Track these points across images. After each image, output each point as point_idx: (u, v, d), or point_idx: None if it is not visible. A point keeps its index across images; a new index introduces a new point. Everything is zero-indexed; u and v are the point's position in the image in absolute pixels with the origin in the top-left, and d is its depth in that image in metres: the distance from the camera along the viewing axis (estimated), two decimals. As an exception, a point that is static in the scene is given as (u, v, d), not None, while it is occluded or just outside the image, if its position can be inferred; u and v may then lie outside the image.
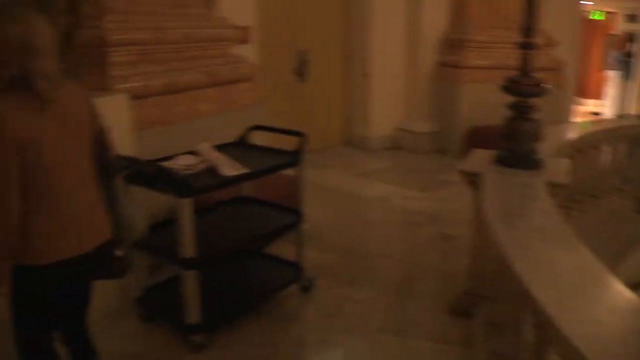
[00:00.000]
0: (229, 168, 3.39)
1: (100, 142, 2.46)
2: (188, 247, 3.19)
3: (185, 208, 3.10)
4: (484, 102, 7.63)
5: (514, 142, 3.51)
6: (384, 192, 6.60)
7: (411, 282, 4.42)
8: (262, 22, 6.60)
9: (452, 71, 8.07)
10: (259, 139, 4.32)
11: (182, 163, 3.40)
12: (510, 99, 3.51)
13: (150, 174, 3.20)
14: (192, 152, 3.63)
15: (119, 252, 2.60)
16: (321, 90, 8.14)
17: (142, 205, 2.70)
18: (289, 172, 4.02)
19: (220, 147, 3.76)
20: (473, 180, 3.52)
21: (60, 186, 2.23)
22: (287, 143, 4.02)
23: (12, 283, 2.19)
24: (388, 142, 8.55)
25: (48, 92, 2.12)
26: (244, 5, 6.05)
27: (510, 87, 3.48)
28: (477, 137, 7.32)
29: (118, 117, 3.68)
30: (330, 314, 3.87)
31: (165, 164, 3.39)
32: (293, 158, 3.82)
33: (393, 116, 8.48)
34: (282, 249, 4.39)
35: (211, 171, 3.41)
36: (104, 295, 2.62)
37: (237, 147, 4.03)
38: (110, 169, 2.53)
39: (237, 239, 3.74)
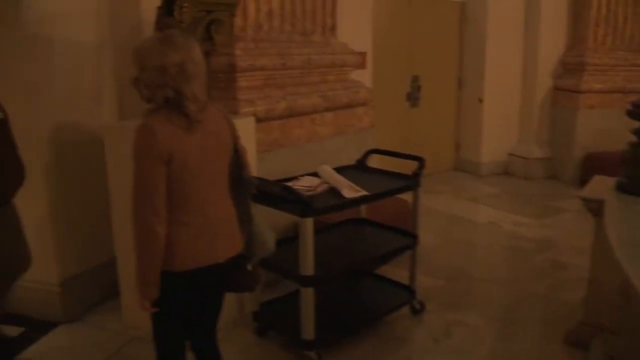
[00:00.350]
0: (349, 190, 3.54)
1: (238, 160, 2.63)
2: (307, 265, 3.35)
3: (307, 227, 3.27)
4: (601, 127, 7.50)
5: (637, 169, 3.42)
6: (493, 217, 6.57)
7: (521, 309, 4.39)
8: (377, 48, 6.78)
9: (569, 96, 7.91)
10: (373, 162, 4.47)
11: (304, 184, 3.58)
12: (635, 124, 3.43)
13: (277, 193, 3.39)
14: (313, 174, 3.81)
15: (250, 267, 2.77)
16: (433, 115, 8.23)
17: (270, 223, 2.85)
18: (402, 195, 4.14)
19: (340, 170, 3.93)
20: (594, 207, 3.47)
21: (198, 198, 2.39)
22: (401, 167, 4.15)
23: None
24: (499, 168, 8.51)
25: (196, 113, 2.30)
26: (360, 31, 6.26)
27: (635, 111, 3.40)
28: (594, 164, 7.16)
29: (245, 139, 3.91)
30: (439, 338, 3.91)
31: (289, 184, 3.57)
32: (411, 182, 3.92)
33: (505, 141, 8.44)
34: (390, 271, 4.51)
35: (332, 193, 3.58)
36: (223, 307, 2.77)
37: (356, 170, 4.19)
38: (246, 186, 2.68)
39: (353, 260, 3.89)
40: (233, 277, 2.66)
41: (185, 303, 2.50)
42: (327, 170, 3.80)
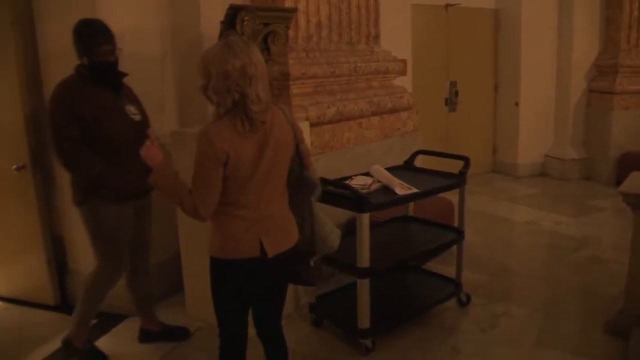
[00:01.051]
0: (401, 188, 3.80)
1: (300, 161, 2.73)
2: (364, 257, 3.60)
3: (364, 222, 3.52)
4: (636, 128, 7.64)
5: None
6: (533, 216, 6.76)
7: (562, 301, 4.57)
8: (416, 55, 7.03)
9: (603, 97, 8.07)
10: (418, 162, 4.72)
11: (358, 183, 3.84)
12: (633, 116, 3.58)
13: (334, 191, 3.64)
14: (365, 174, 4.08)
15: (312, 263, 2.90)
16: (470, 118, 8.47)
17: (332, 221, 2.97)
18: (447, 194, 4.37)
19: (389, 169, 4.18)
20: (633, 201, 3.65)
21: (252, 195, 2.53)
22: (443, 167, 4.40)
23: (211, 274, 2.64)
24: (535, 169, 8.70)
25: (259, 114, 2.43)
26: (401, 40, 6.52)
27: None
28: (629, 164, 7.27)
29: (301, 143, 4.22)
30: (486, 328, 4.12)
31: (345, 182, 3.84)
32: (457, 180, 4.17)
33: (541, 143, 8.62)
34: (435, 267, 4.79)
35: (385, 190, 3.84)
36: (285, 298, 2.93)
37: (404, 170, 4.45)
38: (307, 186, 2.76)
39: (405, 253, 4.14)
40: (292, 270, 2.82)
41: (236, 290, 2.66)
42: (379, 170, 4.06)
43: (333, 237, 2.95)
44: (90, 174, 3.32)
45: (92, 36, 3.35)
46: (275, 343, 2.93)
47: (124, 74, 3.58)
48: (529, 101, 8.43)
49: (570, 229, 6.26)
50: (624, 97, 7.87)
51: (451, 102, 8.21)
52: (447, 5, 7.97)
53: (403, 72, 6.17)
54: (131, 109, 3.52)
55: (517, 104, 8.46)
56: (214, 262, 2.62)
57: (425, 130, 6.91)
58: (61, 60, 4.06)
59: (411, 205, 4.62)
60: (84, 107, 3.29)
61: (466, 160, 4.22)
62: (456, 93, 8.19)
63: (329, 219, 2.96)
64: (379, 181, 3.94)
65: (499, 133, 8.91)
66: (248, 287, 2.66)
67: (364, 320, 3.73)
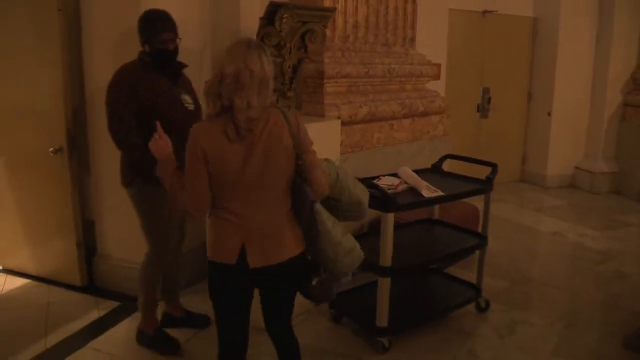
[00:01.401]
0: (427, 190, 3.85)
1: (301, 173, 2.57)
2: (386, 256, 3.67)
3: (389, 221, 3.59)
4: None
5: None
6: (558, 227, 6.75)
7: (582, 312, 4.59)
8: (451, 60, 7.05)
9: (638, 112, 8.02)
10: (447, 166, 4.76)
11: (385, 183, 3.90)
12: None
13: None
14: (393, 174, 4.14)
15: (314, 282, 2.73)
16: (502, 126, 8.47)
17: (350, 242, 2.75)
18: (472, 200, 4.40)
19: (417, 172, 4.23)
20: None
21: (237, 201, 2.51)
22: (471, 173, 4.43)
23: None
24: (565, 181, 8.65)
25: (245, 122, 2.40)
26: (437, 44, 6.54)
27: None
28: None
29: (331, 141, 4.29)
30: (504, 334, 4.15)
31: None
32: (484, 185, 4.21)
33: (571, 155, 8.59)
34: (456, 272, 4.82)
35: (411, 192, 3.91)
36: (301, 296, 2.89)
37: (432, 173, 4.51)
38: (304, 201, 2.59)
39: (427, 255, 4.20)
40: (296, 279, 2.73)
41: (217, 292, 2.66)
42: (406, 171, 4.12)
43: (347, 261, 2.73)
44: (134, 156, 3.47)
45: (154, 24, 3.50)
46: (284, 342, 2.91)
47: (184, 65, 3.72)
48: (562, 111, 8.39)
49: (596, 242, 6.24)
50: (659, 112, 7.81)
51: (483, 109, 8.22)
52: (485, 12, 7.99)
53: (437, 76, 6.21)
54: (186, 98, 3.65)
55: (549, 114, 8.42)
56: (209, 262, 2.65)
57: (456, 135, 6.95)
58: (103, 48, 4.22)
59: (436, 208, 4.66)
60: (143, 91, 3.44)
61: (494, 166, 4.26)
62: (489, 100, 8.19)
63: (351, 241, 2.77)
64: (406, 182, 4.00)
65: (529, 142, 8.88)
66: (226, 291, 2.64)
67: (383, 319, 3.80)
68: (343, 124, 4.68)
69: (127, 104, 3.41)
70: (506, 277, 5.17)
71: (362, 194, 2.90)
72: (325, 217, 2.65)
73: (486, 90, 8.17)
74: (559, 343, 4.04)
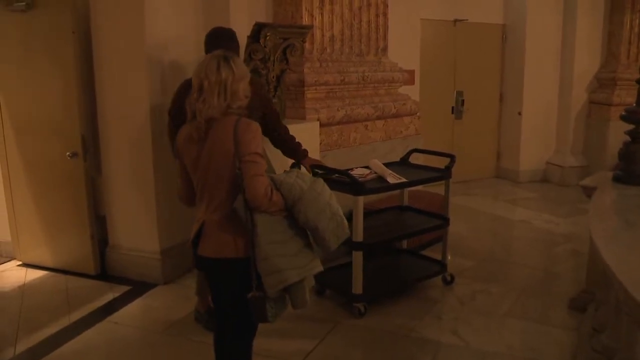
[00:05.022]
0: (392, 177, 4.49)
1: (241, 177, 2.58)
2: (358, 233, 4.28)
3: (359, 204, 4.21)
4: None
5: (630, 163, 4.17)
6: (526, 216, 7.40)
7: (538, 283, 5.21)
8: (425, 66, 7.72)
9: (602, 109, 8.66)
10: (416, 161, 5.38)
11: (357, 173, 4.53)
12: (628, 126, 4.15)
13: (338, 179, 4.23)
14: (365, 167, 4.78)
15: (253, 293, 2.65)
16: (476, 126, 9.11)
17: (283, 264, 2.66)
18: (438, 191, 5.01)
19: (387, 164, 4.84)
20: (590, 193, 4.23)
21: (198, 194, 2.79)
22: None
23: None
24: (537, 175, 9.28)
25: (204, 123, 2.62)
26: (409, 52, 7.22)
27: (628, 116, 4.16)
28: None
29: (311, 140, 4.94)
30: (466, 301, 4.79)
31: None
32: (443, 173, 4.83)
33: (542, 151, 9.21)
34: (430, 253, 5.44)
35: (379, 179, 4.53)
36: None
37: (400, 165, 5.10)
38: (239, 209, 2.62)
39: (395, 233, 4.84)
40: (228, 281, 2.82)
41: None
42: (376, 163, 4.74)
43: (269, 280, 2.63)
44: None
45: (214, 41, 4.02)
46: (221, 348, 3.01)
47: None
48: (532, 111, 9.02)
49: (559, 227, 6.88)
50: (621, 108, 8.27)
51: (457, 111, 8.87)
52: (456, 21, 8.63)
53: (409, 82, 6.86)
54: None
55: (520, 114, 9.06)
56: None
57: (432, 136, 7.59)
58: (111, 65, 4.83)
59: (405, 196, 5.28)
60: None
61: (452, 157, 4.88)
62: (462, 102, 8.84)
63: (285, 263, 2.64)
64: (375, 172, 4.62)
65: (502, 140, 9.51)
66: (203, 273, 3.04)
67: (358, 287, 4.38)
68: (322, 125, 5.34)
69: (176, 110, 3.92)
70: (473, 257, 5.80)
71: (326, 221, 2.74)
72: (261, 230, 2.61)
73: (459, 93, 8.82)
74: (512, 307, 4.67)
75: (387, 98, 6.31)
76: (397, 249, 5.38)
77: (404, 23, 7.01)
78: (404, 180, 4.52)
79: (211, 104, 2.57)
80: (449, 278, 5.05)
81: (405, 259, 5.30)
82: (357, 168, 4.73)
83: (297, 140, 4.31)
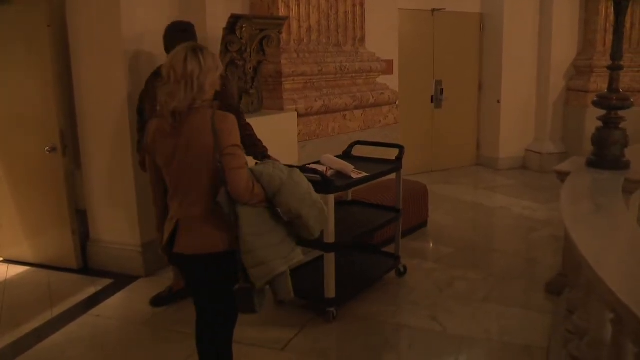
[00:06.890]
0: (355, 173, 4.36)
1: (221, 170, 2.57)
2: (329, 234, 4.04)
3: (330, 202, 3.94)
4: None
5: (602, 148, 4.23)
6: (505, 203, 7.48)
7: (516, 269, 5.28)
8: (404, 56, 7.77)
9: (579, 96, 8.77)
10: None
11: (313, 169, 4.21)
12: (601, 112, 4.23)
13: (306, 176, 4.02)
14: (317, 162, 4.59)
15: (240, 285, 2.67)
16: (455, 115, 9.19)
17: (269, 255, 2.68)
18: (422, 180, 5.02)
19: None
20: (564, 178, 4.26)
21: (172, 187, 2.72)
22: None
23: None
24: (516, 163, 9.39)
25: (171, 116, 2.57)
26: (388, 42, 7.26)
27: (599, 102, 4.23)
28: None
29: (289, 131, 4.97)
30: (443, 287, 4.84)
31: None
32: (395, 165, 4.76)
33: (521, 138, 9.32)
34: (405, 243, 5.51)
35: (340, 175, 4.33)
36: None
37: (345, 158, 4.84)
38: (220, 202, 2.59)
39: (359, 231, 4.62)
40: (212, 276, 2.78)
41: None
42: (330, 158, 4.58)
43: (255, 272, 2.65)
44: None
45: (172, 35, 4.03)
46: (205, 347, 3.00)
47: None
48: (510, 99, 9.12)
49: (537, 213, 6.96)
50: (598, 95, 8.51)
51: (437, 100, 8.94)
52: (434, 10, 8.68)
53: (387, 71, 6.91)
54: None
55: (499, 102, 9.15)
56: None
57: (412, 125, 7.65)
58: (88, 59, 4.83)
59: (350, 190, 5.11)
60: (146, 99, 4.04)
61: (401, 148, 4.79)
62: (441, 91, 8.90)
63: (271, 254, 2.68)
64: (331, 168, 4.41)
65: (482, 129, 9.59)
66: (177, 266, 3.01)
67: (331, 290, 4.17)
68: (300, 115, 5.38)
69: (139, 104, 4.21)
70: (453, 244, 5.88)
71: (308, 209, 2.79)
72: (244, 222, 2.61)
73: (439, 82, 8.89)
74: (489, 292, 4.74)
75: (366, 88, 6.35)
76: (348, 246, 5.05)
77: (381, 13, 7.03)
78: (366, 174, 4.39)
79: (176, 97, 2.53)
80: (402, 270, 5.00)
81: (358, 255, 5.15)
82: (310, 164, 4.49)
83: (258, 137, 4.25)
